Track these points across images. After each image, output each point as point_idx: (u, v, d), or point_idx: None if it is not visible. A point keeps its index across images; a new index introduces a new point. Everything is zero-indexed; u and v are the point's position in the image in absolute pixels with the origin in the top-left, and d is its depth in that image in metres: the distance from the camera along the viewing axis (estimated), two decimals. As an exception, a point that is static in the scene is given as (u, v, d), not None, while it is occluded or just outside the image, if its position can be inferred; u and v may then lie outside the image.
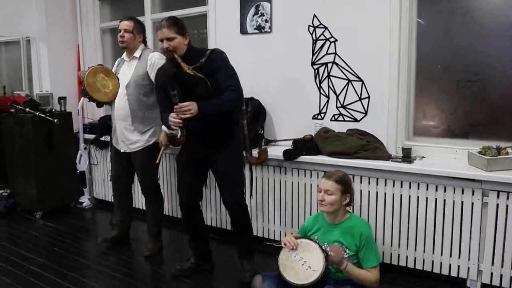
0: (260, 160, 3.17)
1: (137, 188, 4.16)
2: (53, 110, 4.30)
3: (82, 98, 4.53)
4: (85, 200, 4.58)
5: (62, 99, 4.43)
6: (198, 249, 3.02)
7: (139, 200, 4.21)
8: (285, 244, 2.32)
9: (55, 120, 4.00)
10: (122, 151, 3.28)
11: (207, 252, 3.06)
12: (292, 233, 2.42)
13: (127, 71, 3.23)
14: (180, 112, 2.49)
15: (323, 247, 2.28)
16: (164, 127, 2.98)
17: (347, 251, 2.28)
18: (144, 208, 4.07)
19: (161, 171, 3.72)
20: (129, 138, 3.22)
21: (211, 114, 2.59)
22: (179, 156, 2.96)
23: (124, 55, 3.29)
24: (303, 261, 2.25)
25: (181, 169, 2.94)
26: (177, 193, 2.97)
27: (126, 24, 3.14)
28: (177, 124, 2.55)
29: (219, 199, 3.56)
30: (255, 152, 3.18)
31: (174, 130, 2.68)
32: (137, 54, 3.20)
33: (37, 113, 4.01)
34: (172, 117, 2.55)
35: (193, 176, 2.88)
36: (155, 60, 3.12)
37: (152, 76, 3.09)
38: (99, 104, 3.31)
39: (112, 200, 3.65)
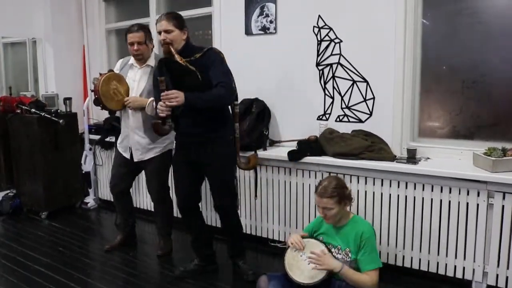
0: (249, 166, 3.16)
1: (141, 189, 4.19)
2: (59, 110, 4.32)
3: (87, 99, 4.57)
4: (90, 201, 4.60)
5: (67, 100, 4.44)
6: (201, 251, 3.02)
7: (143, 201, 4.23)
8: (292, 244, 2.32)
9: (61, 121, 4.01)
10: (136, 160, 3.22)
11: (211, 254, 3.07)
12: (298, 233, 2.42)
13: (139, 79, 3.18)
14: (166, 99, 2.51)
15: (323, 249, 2.28)
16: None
17: (350, 254, 2.27)
18: (149, 208, 4.12)
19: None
20: (144, 146, 3.19)
21: (198, 107, 2.61)
22: (175, 158, 2.98)
23: (133, 61, 3.21)
24: (309, 261, 2.25)
25: (177, 171, 2.94)
26: (175, 195, 2.98)
27: (137, 36, 3.07)
28: (163, 111, 2.56)
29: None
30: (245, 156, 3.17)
31: (159, 118, 2.63)
32: (151, 62, 3.15)
33: (43, 114, 4.03)
34: (160, 105, 2.57)
35: (189, 178, 2.88)
36: None
37: None
38: (112, 112, 3.23)
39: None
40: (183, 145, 2.86)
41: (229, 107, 2.86)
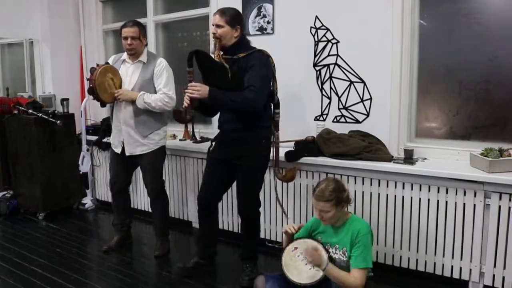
0: (286, 178, 3.11)
1: (138, 190, 4.19)
2: (56, 111, 4.31)
3: (84, 100, 4.57)
4: (87, 202, 4.59)
5: (64, 101, 4.44)
6: (205, 249, 3.02)
7: (141, 202, 4.23)
8: (286, 232, 2.35)
9: (58, 122, 4.00)
10: (127, 154, 3.25)
11: (212, 254, 3.06)
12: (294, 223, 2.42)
13: (132, 74, 3.22)
14: (189, 89, 2.56)
15: (322, 247, 2.28)
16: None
17: (347, 254, 2.26)
18: (146, 209, 4.13)
19: (165, 173, 3.69)
20: (137, 140, 3.21)
21: (221, 105, 2.64)
22: (210, 154, 2.96)
23: (126, 57, 3.26)
24: (306, 261, 2.25)
25: (209, 166, 2.94)
26: (200, 190, 2.97)
27: (132, 31, 3.12)
28: (185, 101, 2.61)
29: (227, 201, 3.58)
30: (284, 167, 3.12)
31: (184, 106, 2.68)
32: (143, 58, 3.21)
33: (40, 115, 4.03)
34: (185, 94, 2.62)
35: (218, 175, 2.88)
36: (163, 67, 3.18)
37: (157, 82, 3.15)
38: (103, 104, 3.27)
39: (113, 201, 3.65)
40: (220, 141, 2.87)
41: (271, 114, 2.83)
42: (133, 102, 3.15)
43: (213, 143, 2.94)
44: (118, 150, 3.30)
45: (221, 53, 2.66)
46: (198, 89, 2.54)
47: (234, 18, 2.69)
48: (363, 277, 2.17)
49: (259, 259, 3.01)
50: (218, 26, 2.66)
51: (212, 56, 2.70)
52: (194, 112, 2.75)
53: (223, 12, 2.69)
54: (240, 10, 3.61)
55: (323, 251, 2.24)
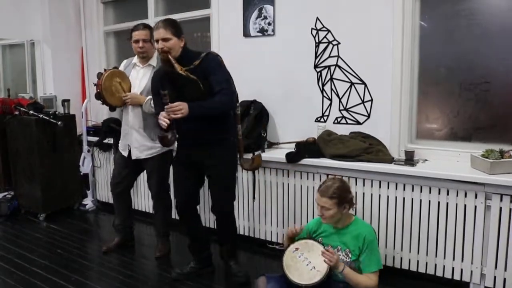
0: (253, 166, 3.14)
1: (139, 191, 4.19)
2: (57, 112, 4.31)
3: (85, 101, 4.58)
4: (88, 202, 4.59)
5: (65, 102, 4.44)
6: (198, 254, 3.02)
7: (142, 203, 4.23)
8: (289, 232, 2.37)
9: (59, 123, 4.01)
10: (134, 158, 3.24)
11: (207, 256, 3.06)
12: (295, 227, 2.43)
13: (141, 78, 3.22)
14: (170, 112, 2.50)
15: (329, 248, 2.28)
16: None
17: (350, 255, 2.27)
18: (147, 210, 4.13)
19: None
20: (143, 144, 3.21)
21: (202, 116, 2.60)
22: (176, 160, 2.98)
23: (137, 61, 3.26)
24: (307, 262, 2.25)
25: (178, 172, 2.94)
26: (174, 197, 2.97)
27: (144, 34, 3.13)
28: (166, 121, 2.55)
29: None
30: (248, 157, 3.15)
31: (164, 130, 2.63)
32: (153, 62, 3.20)
33: (41, 116, 4.03)
34: (162, 116, 2.55)
35: (189, 180, 2.87)
36: None
37: None
38: (112, 108, 3.26)
39: (114, 202, 3.65)
40: (185, 146, 2.86)
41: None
42: (141, 106, 3.16)
43: (178, 150, 2.93)
44: (125, 153, 3.30)
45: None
46: (181, 108, 2.48)
47: (178, 28, 2.65)
48: (377, 278, 2.26)
49: (260, 260, 3.02)
50: (164, 40, 2.58)
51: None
52: (175, 132, 2.69)
53: (166, 24, 2.61)
54: (241, 11, 3.64)
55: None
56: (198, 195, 2.98)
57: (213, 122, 2.68)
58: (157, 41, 2.62)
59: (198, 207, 3.00)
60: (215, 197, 2.86)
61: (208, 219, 3.67)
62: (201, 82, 2.57)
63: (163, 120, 2.55)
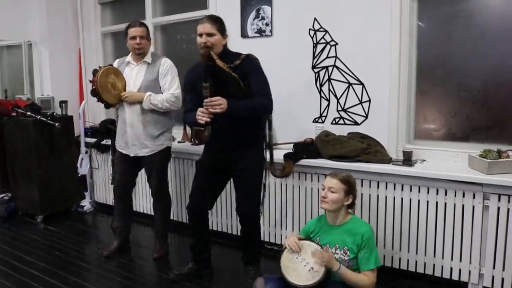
0: (284, 174, 3.12)
1: (138, 192, 4.18)
2: (54, 114, 4.30)
3: (83, 102, 4.57)
4: (86, 204, 4.58)
5: (63, 103, 4.43)
6: (199, 255, 3.01)
7: (141, 204, 4.22)
8: (288, 245, 2.31)
9: (57, 124, 4.00)
10: (132, 155, 3.24)
11: (207, 257, 3.05)
12: (295, 235, 2.41)
13: (136, 75, 3.22)
14: (210, 106, 2.46)
15: (325, 248, 2.28)
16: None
17: (348, 253, 2.27)
18: (145, 211, 4.12)
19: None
20: (143, 142, 3.20)
21: (240, 115, 2.57)
22: (201, 162, 2.92)
23: (130, 58, 3.27)
24: (305, 263, 2.25)
25: (200, 175, 2.91)
26: (189, 196, 2.92)
27: (141, 31, 3.15)
28: (205, 118, 2.49)
29: (222, 203, 3.57)
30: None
31: (201, 125, 2.54)
32: (148, 59, 3.21)
33: (39, 117, 4.02)
34: (200, 111, 2.51)
35: (209, 184, 2.84)
36: (168, 66, 3.18)
37: (163, 82, 3.15)
38: (107, 106, 3.26)
39: (113, 204, 3.64)
40: (211, 150, 2.82)
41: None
42: (139, 103, 3.16)
43: (205, 152, 2.89)
44: (125, 151, 3.29)
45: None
46: (220, 103, 2.45)
47: (223, 25, 2.65)
48: (374, 276, 2.25)
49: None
50: (209, 34, 2.56)
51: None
52: (210, 128, 2.58)
53: (213, 20, 2.61)
54: (239, 12, 3.64)
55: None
56: (214, 202, 2.96)
57: (246, 124, 2.65)
58: (201, 35, 2.58)
59: (210, 211, 2.97)
60: (241, 200, 2.80)
61: (211, 221, 3.62)
62: (242, 82, 2.56)
63: (202, 115, 2.50)
